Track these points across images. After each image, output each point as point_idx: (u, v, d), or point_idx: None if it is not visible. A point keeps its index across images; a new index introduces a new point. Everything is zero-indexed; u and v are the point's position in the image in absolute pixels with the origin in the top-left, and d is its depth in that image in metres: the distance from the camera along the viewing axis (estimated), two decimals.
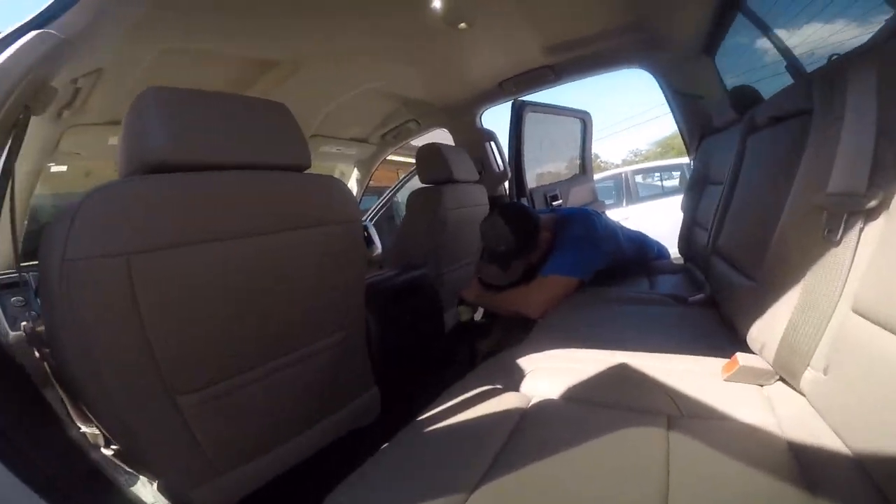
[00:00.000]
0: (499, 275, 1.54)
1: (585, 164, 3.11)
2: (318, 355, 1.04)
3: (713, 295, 1.30)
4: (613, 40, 1.97)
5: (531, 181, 2.66)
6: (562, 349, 1.05)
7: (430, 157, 2.06)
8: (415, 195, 2.06)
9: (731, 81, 1.99)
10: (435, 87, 2.37)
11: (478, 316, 1.95)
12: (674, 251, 2.11)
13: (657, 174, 5.89)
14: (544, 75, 2.23)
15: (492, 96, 2.46)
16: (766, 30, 1.57)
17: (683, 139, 2.30)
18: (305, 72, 1.83)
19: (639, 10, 1.78)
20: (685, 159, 6.02)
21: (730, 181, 1.33)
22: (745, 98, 1.54)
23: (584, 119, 3.07)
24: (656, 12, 1.81)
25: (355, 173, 3.35)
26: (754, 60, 1.83)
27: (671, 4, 1.77)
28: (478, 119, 2.62)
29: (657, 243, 2.01)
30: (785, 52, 1.51)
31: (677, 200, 2.25)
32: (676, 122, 2.30)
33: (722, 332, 1.09)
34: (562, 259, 1.52)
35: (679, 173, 5.55)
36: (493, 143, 2.59)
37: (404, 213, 2.09)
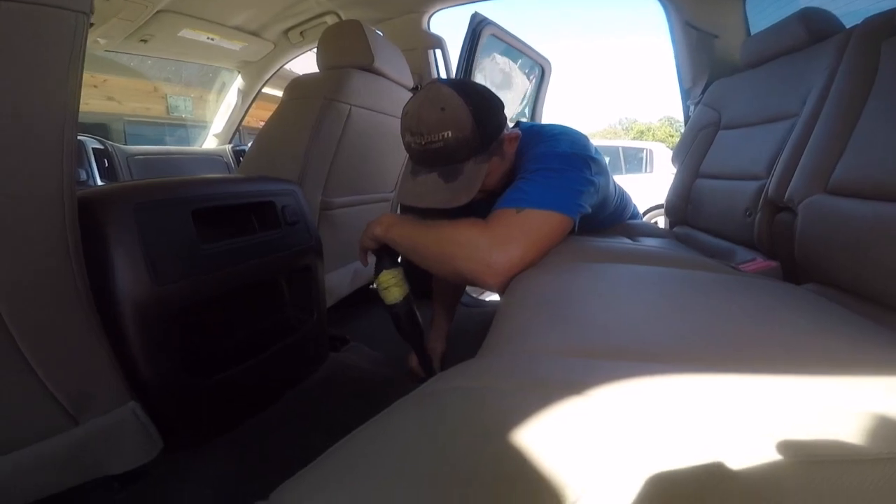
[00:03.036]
0: (437, 189, 0.81)
1: (536, 117, 2.50)
2: None
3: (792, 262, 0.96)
4: None
5: None
6: (579, 361, 0.43)
7: (340, 34, 1.27)
8: (301, 79, 1.25)
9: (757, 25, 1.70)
10: None
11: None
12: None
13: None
14: None
15: None
16: None
17: (680, 83, 1.87)
18: None
19: None
20: (650, 144, 5.89)
21: (812, 111, 1.04)
22: (819, 21, 1.20)
23: (545, 66, 2.45)
24: None
25: (238, 83, 2.42)
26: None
27: None
28: (425, 20, 1.88)
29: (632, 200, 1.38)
30: None
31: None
32: (677, 62, 1.84)
33: (855, 321, 0.56)
34: (538, 185, 0.81)
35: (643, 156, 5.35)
36: (439, 53, 1.85)
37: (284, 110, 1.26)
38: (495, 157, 0.84)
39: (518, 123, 0.99)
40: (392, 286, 0.94)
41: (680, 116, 1.99)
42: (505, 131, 0.86)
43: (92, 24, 1.77)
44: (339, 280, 1.38)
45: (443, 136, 0.78)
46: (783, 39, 1.28)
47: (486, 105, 0.82)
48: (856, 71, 0.96)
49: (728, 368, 0.40)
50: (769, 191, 1.07)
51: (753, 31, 1.69)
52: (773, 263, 1.00)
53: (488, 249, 0.76)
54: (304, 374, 1.07)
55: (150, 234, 0.70)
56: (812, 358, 0.42)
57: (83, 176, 1.75)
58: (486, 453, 0.30)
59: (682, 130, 1.82)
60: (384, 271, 0.94)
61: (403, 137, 0.84)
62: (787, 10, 1.49)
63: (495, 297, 1.89)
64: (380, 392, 1.06)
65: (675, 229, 1.62)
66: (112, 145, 2.03)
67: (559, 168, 0.83)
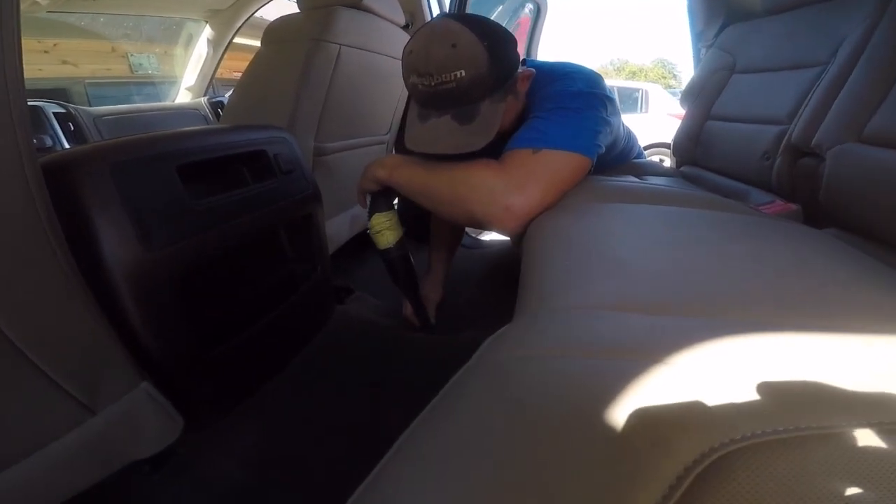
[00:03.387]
0: (452, 133, 0.73)
1: (531, 57, 2.36)
2: None
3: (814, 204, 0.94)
4: None
5: None
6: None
7: None
8: (281, 21, 1.13)
9: None
10: None
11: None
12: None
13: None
14: None
15: None
16: None
17: (692, 26, 1.82)
18: None
19: None
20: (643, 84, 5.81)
21: (846, 60, 1.01)
22: None
23: (540, 4, 2.30)
24: None
25: (206, 33, 2.23)
26: None
27: None
28: None
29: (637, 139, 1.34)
30: None
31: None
32: (691, 4, 1.79)
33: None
34: (555, 124, 0.76)
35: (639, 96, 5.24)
36: None
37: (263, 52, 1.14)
38: (510, 95, 0.78)
39: (525, 62, 0.91)
40: (385, 230, 0.90)
41: (673, 59, 1.92)
42: (519, 69, 0.79)
43: None
44: (338, 227, 1.33)
45: (455, 75, 0.71)
46: None
47: (500, 40, 0.75)
48: (878, 14, 0.95)
49: (796, 325, 0.36)
50: (793, 136, 1.05)
51: None
52: (794, 206, 0.99)
53: (505, 192, 0.70)
54: (314, 330, 1.02)
55: (132, 195, 0.62)
56: (869, 313, 0.40)
57: (48, 142, 1.62)
58: (585, 437, 0.25)
59: (676, 73, 1.76)
60: (376, 214, 0.90)
61: (407, 79, 0.76)
62: None
63: (495, 236, 1.83)
64: (389, 345, 1.03)
65: (682, 168, 1.60)
66: (75, 108, 1.87)
67: (576, 107, 0.78)
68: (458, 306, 1.21)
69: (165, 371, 0.66)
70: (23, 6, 1.76)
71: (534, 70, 0.82)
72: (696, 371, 0.29)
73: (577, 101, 0.78)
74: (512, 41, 0.78)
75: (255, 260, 0.89)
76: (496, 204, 0.71)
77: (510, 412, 0.29)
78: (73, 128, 1.76)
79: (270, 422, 0.81)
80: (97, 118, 1.87)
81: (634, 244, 0.59)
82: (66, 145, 1.68)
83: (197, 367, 0.72)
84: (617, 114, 0.89)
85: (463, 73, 0.71)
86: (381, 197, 0.89)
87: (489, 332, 0.42)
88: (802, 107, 1.07)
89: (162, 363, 0.65)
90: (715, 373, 0.29)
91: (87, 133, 1.78)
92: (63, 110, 1.83)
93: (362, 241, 1.57)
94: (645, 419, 0.25)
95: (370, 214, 0.90)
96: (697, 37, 1.81)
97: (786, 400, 0.26)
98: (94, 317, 0.57)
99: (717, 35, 1.68)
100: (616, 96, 5.21)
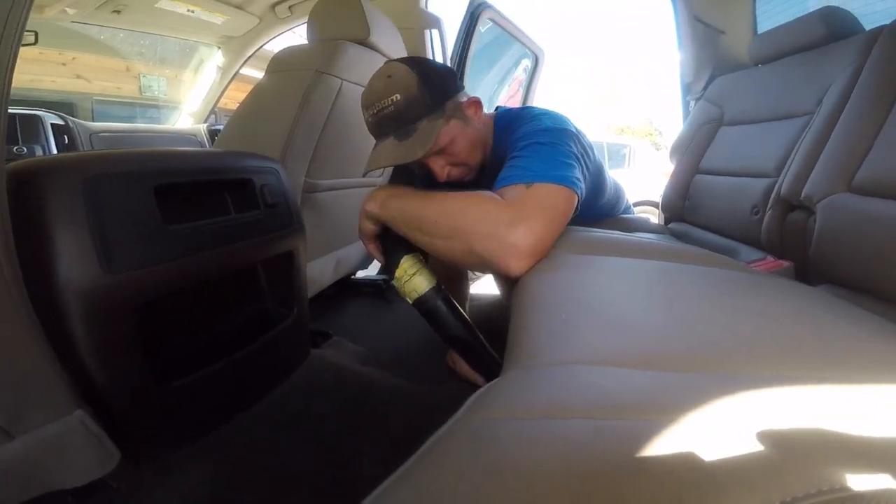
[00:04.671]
0: (392, 149, 0.79)
1: (527, 103, 2.42)
2: None
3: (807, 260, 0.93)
4: None
5: None
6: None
7: (334, 4, 1.16)
8: (287, 51, 1.14)
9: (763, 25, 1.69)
10: None
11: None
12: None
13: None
14: None
15: None
16: None
17: (682, 78, 1.86)
18: None
19: None
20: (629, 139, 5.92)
21: (832, 109, 1.01)
22: (841, 20, 1.19)
23: (538, 55, 2.38)
24: None
25: (217, 59, 2.27)
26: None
27: None
28: None
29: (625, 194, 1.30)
30: None
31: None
32: (682, 57, 1.82)
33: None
34: (533, 160, 0.75)
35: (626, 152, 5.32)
36: (436, 34, 1.75)
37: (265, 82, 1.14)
38: (454, 119, 0.82)
39: (497, 108, 0.99)
40: (415, 274, 0.76)
41: (659, 118, 1.98)
42: (464, 98, 0.86)
43: None
44: (321, 269, 1.27)
45: (392, 99, 0.79)
46: (800, 36, 1.26)
47: (431, 69, 0.83)
48: (884, 70, 0.93)
49: (800, 379, 0.34)
50: (782, 188, 1.04)
51: (759, 30, 1.68)
52: (787, 263, 0.97)
53: (509, 226, 0.65)
54: (284, 374, 0.95)
55: (101, 211, 0.59)
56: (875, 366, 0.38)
57: (38, 151, 1.59)
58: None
59: (662, 130, 1.80)
60: (404, 258, 0.76)
61: (364, 119, 0.84)
62: (796, 10, 1.50)
63: (483, 289, 1.79)
64: (366, 393, 0.96)
65: (670, 225, 1.59)
66: (74, 121, 1.86)
67: (548, 142, 0.78)
68: (443, 356, 1.16)
69: (107, 401, 0.61)
70: (51, 14, 1.81)
71: (479, 98, 0.88)
72: (705, 428, 0.26)
73: (546, 136, 0.79)
74: (447, 70, 0.88)
75: (228, 292, 0.85)
76: (501, 239, 0.65)
77: (496, 479, 0.26)
78: (67, 140, 1.74)
79: (227, 464, 0.73)
80: (93, 134, 1.87)
81: (626, 298, 0.56)
82: None
83: (146, 399, 0.66)
84: (590, 148, 0.87)
85: (398, 97, 0.78)
86: (393, 238, 0.77)
87: (473, 389, 0.39)
88: (791, 158, 1.07)
89: (105, 392, 0.60)
90: (726, 429, 0.26)
91: (80, 147, 1.77)
92: (61, 122, 1.82)
93: (346, 284, 1.53)
94: (662, 483, 0.21)
95: (393, 261, 0.77)
96: (686, 89, 1.84)
97: (812, 458, 0.23)
98: (30, 336, 0.52)
99: (705, 87, 1.71)
100: (605, 152, 5.37)
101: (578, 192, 0.76)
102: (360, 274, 1.72)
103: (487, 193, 0.71)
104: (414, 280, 0.76)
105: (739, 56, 1.65)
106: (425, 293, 0.76)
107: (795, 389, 0.31)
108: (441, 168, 0.84)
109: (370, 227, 0.81)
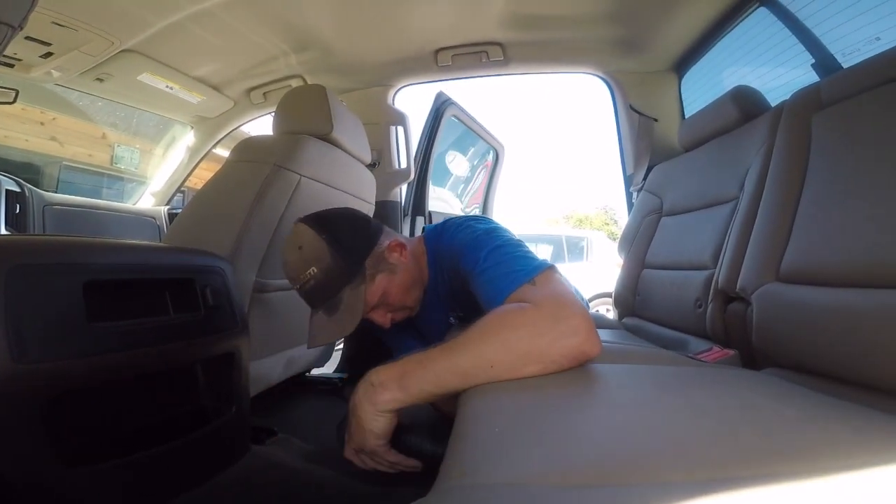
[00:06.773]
0: (324, 326, 0.81)
1: (488, 201, 2.54)
2: None
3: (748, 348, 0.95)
4: (581, 31, 1.59)
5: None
6: None
7: (301, 98, 1.24)
8: (252, 140, 1.18)
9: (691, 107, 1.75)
10: (345, 35, 1.64)
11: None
12: None
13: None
14: (492, 55, 1.69)
15: (419, 68, 1.83)
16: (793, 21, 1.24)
17: (623, 169, 1.89)
18: None
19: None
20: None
21: (752, 194, 1.03)
22: (749, 99, 1.21)
23: (499, 150, 2.54)
24: (644, 9, 1.47)
25: (187, 139, 2.32)
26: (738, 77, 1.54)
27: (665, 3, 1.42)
28: (391, 95, 1.91)
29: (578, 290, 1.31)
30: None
31: None
32: (621, 148, 1.88)
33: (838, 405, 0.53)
34: (505, 262, 0.72)
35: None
36: (400, 130, 1.86)
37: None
38: (380, 274, 0.82)
39: (424, 228, 1.06)
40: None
41: (615, 205, 2.07)
42: (383, 242, 0.85)
43: (51, 55, 1.65)
44: (269, 367, 1.21)
45: (309, 273, 0.79)
46: (716, 120, 1.28)
47: (340, 229, 0.82)
48: (790, 148, 0.94)
49: (753, 480, 0.33)
50: (719, 281, 1.06)
51: (688, 113, 1.72)
52: (731, 352, 0.99)
53: (560, 320, 0.61)
54: (217, 468, 0.88)
55: (20, 302, 0.57)
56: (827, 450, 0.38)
57: None
58: None
59: (617, 219, 1.88)
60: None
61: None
62: (717, 90, 1.50)
63: None
64: (308, 492, 0.90)
65: (624, 320, 1.60)
66: (31, 189, 1.83)
67: (500, 242, 0.76)
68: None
69: (4, 489, 0.57)
70: (37, 74, 1.86)
71: (402, 240, 0.88)
72: None
73: (493, 236, 0.78)
74: (359, 225, 0.85)
75: (162, 388, 0.81)
76: (569, 335, 0.60)
77: None
78: (18, 210, 1.71)
79: None
80: (47, 206, 1.83)
81: (569, 406, 0.54)
82: (3, 229, 1.61)
83: (51, 489, 0.62)
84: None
85: (314, 270, 0.78)
86: (412, 436, 0.69)
87: (426, 490, 0.39)
88: (724, 249, 1.07)
89: (7, 476, 0.57)
90: None
91: (30, 220, 1.73)
92: (17, 189, 1.79)
93: (296, 382, 1.47)
94: None
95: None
96: (629, 181, 1.84)
97: None
98: None
99: (645, 177, 1.71)
100: (565, 245, 5.52)
101: (552, 267, 0.73)
102: (316, 371, 1.66)
103: (503, 310, 0.65)
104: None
105: (672, 143, 1.64)
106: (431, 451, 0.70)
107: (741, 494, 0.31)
108: (383, 317, 0.86)
109: (387, 424, 0.64)
